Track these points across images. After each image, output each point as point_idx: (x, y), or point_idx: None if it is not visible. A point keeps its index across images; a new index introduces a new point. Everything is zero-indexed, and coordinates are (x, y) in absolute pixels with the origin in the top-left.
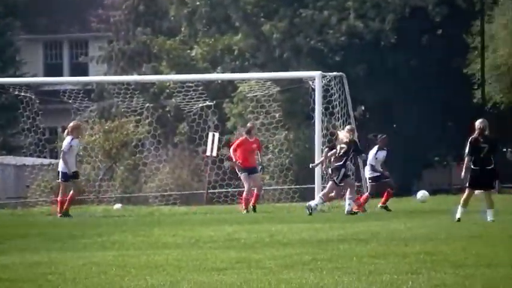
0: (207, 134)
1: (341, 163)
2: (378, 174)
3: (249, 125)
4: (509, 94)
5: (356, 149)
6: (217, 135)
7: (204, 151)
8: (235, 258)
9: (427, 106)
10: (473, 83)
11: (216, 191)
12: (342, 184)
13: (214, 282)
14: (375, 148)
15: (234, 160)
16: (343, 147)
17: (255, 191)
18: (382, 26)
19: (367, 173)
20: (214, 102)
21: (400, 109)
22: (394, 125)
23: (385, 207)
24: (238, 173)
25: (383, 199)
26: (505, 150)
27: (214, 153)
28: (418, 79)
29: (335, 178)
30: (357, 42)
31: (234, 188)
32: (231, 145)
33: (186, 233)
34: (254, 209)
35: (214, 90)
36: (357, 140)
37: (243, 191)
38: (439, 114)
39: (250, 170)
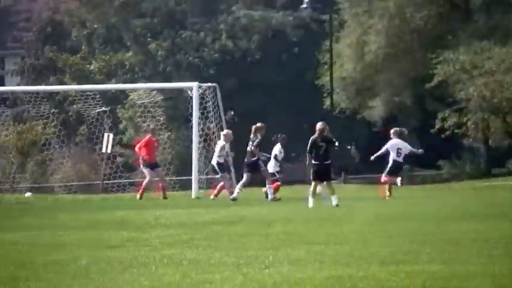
0: (103, 134)
1: (256, 158)
2: (279, 169)
3: (152, 126)
4: (354, 101)
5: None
6: (111, 135)
7: (100, 149)
8: (126, 237)
9: (286, 111)
10: (324, 92)
11: (110, 181)
12: (264, 169)
13: (108, 257)
14: (279, 145)
15: (142, 156)
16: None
17: (161, 184)
18: (249, 45)
19: (273, 167)
20: (109, 108)
21: (264, 114)
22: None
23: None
24: (143, 168)
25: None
26: (349, 147)
27: (109, 151)
28: (279, 89)
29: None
30: (228, 58)
31: (125, 179)
32: (136, 143)
33: (86, 217)
34: (165, 198)
35: (109, 98)
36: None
37: (134, 181)
38: (296, 118)
39: (154, 165)
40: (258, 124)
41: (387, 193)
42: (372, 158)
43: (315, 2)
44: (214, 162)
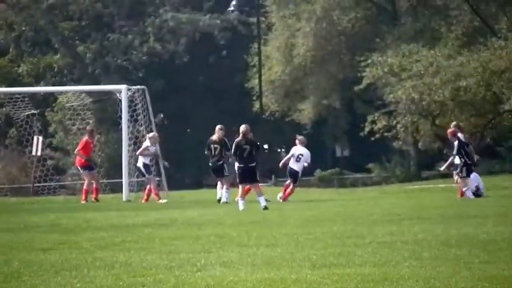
0: (33, 137)
1: (221, 162)
2: None
3: (89, 128)
4: (283, 104)
5: (226, 147)
6: (41, 138)
7: (30, 151)
8: (58, 240)
9: (215, 114)
10: (253, 95)
11: (40, 184)
12: (227, 174)
13: (40, 260)
14: None
15: (85, 157)
16: (216, 147)
17: (95, 185)
18: (177, 47)
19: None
20: (38, 110)
21: (193, 116)
22: (188, 130)
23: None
24: (81, 169)
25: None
26: (279, 150)
27: (39, 153)
28: (207, 92)
29: (224, 173)
30: (156, 61)
31: (56, 182)
32: (77, 145)
33: (16, 220)
34: (97, 201)
35: (38, 101)
36: (225, 139)
37: (64, 184)
38: (225, 121)
39: (92, 167)
40: (218, 126)
41: (282, 195)
42: (280, 164)
43: (242, 5)
44: (140, 164)
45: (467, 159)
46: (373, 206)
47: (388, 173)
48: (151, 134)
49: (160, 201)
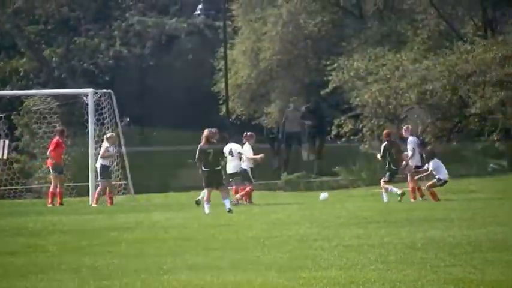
0: None
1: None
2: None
3: (58, 128)
4: (249, 108)
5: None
6: (7, 142)
7: None
8: (24, 243)
9: (181, 118)
10: (220, 99)
11: (6, 188)
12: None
13: (7, 264)
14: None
15: (55, 160)
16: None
17: (59, 189)
18: (143, 51)
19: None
20: (4, 114)
21: (159, 120)
22: (154, 133)
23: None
24: (51, 171)
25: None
26: None
27: (5, 157)
28: (173, 96)
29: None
30: (122, 65)
31: (22, 185)
32: (49, 147)
33: None
34: (62, 204)
35: (4, 104)
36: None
37: (30, 187)
38: (192, 125)
39: (61, 170)
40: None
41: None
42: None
43: (208, 9)
44: (98, 164)
45: (391, 165)
46: (339, 209)
47: (354, 176)
48: (108, 134)
49: (93, 204)
